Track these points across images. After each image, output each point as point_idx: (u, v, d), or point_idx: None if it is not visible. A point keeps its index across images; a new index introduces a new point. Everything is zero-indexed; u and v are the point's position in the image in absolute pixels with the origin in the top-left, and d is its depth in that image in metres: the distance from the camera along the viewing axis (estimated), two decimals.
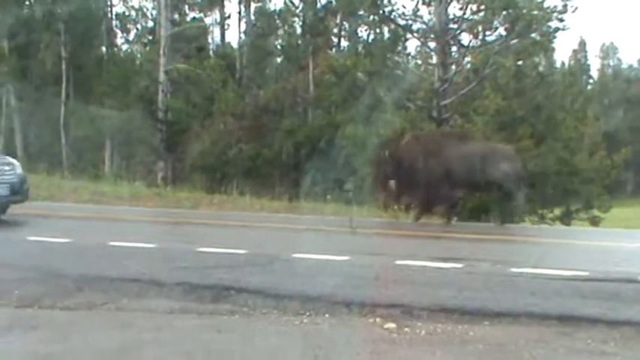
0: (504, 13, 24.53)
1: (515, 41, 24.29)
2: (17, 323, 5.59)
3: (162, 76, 29.49)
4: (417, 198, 14.47)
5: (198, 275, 7.15)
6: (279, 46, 38.83)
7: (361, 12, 30.44)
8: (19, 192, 11.74)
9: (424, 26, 27.32)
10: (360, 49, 35.64)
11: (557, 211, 23.12)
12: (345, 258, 8.45)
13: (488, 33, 26.55)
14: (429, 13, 27.16)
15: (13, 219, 12.35)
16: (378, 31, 36.00)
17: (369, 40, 36.44)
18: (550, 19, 23.66)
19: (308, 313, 5.75)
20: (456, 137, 15.55)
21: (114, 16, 40.54)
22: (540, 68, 29.84)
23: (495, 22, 25.48)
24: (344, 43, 37.94)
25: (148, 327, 5.42)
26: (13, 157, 12.41)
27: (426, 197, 14.20)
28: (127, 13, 41.08)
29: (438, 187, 13.89)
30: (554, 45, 27.95)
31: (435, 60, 27.92)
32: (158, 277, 7.04)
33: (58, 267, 7.82)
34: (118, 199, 17.99)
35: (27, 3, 37.98)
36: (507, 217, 14.97)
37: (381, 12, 27.62)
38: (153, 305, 6.04)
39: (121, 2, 40.49)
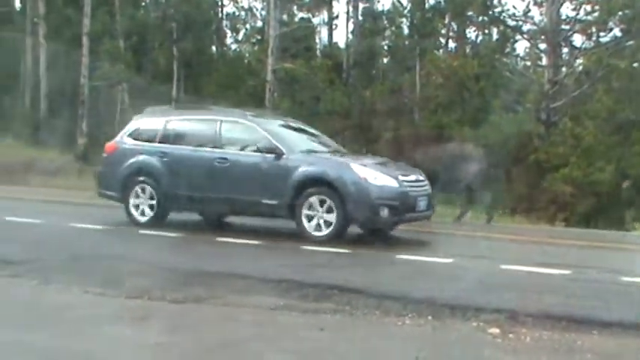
0: (620, 13, 23.78)
1: (631, 42, 23.50)
2: (127, 313, 5.78)
3: (270, 76, 29.83)
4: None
5: (302, 273, 7.21)
6: (386, 47, 38.74)
7: (470, 13, 30.05)
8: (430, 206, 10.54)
9: (535, 27, 26.79)
10: (467, 50, 35.21)
11: None
12: (449, 260, 8.37)
13: (602, 34, 25.78)
14: (540, 14, 26.62)
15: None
16: (486, 32, 35.48)
17: (478, 42, 35.98)
18: None
19: (410, 315, 5.72)
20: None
21: (224, 17, 41.33)
22: None
23: (610, 23, 24.72)
24: (451, 44, 37.58)
25: (252, 322, 5.51)
26: None
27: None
28: (236, 14, 41.81)
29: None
30: None
31: (545, 61, 27.34)
32: (264, 274, 7.14)
33: (167, 260, 8.05)
34: None
35: (142, 4, 39.17)
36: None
37: (490, 13, 27.21)
38: (257, 301, 6.13)
39: (231, 3, 41.18)
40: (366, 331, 5.40)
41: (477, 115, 26.91)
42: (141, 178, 10.83)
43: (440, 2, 34.37)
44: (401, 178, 9.79)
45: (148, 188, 10.74)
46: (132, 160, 10.98)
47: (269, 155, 9.97)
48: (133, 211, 10.82)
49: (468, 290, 6.66)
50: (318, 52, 39.33)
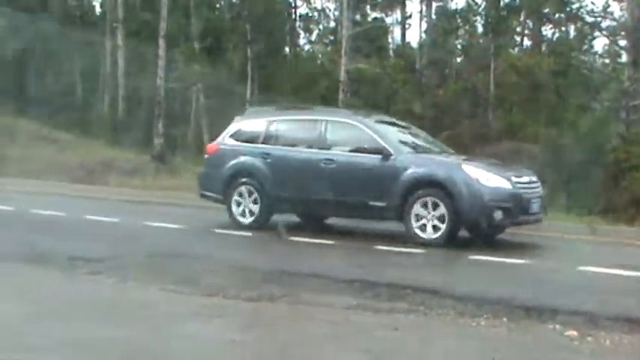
0: None
1: None
2: (203, 311, 5.85)
3: (342, 76, 29.86)
4: None
5: (375, 273, 7.19)
6: (459, 46, 38.40)
7: (547, 10, 29.55)
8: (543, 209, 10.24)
9: (614, 23, 26.14)
10: (543, 48, 34.62)
11: None
12: (525, 261, 8.23)
13: None
14: (620, 10, 25.98)
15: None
16: (563, 29, 34.85)
17: (554, 39, 35.35)
18: None
19: (485, 316, 5.65)
20: None
21: (297, 17, 41.56)
22: None
23: None
24: (527, 42, 37.00)
25: (326, 321, 5.51)
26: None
27: None
28: (309, 14, 42.01)
29: None
30: None
31: (625, 58, 26.64)
32: (337, 273, 7.15)
33: (241, 259, 8.13)
34: None
35: (217, 6, 39.71)
36: None
37: (568, 9, 26.68)
38: (331, 300, 6.14)
39: (305, 4, 41.38)
40: (440, 331, 5.36)
41: (553, 114, 26.46)
42: (243, 180, 10.77)
43: (515, 0, 33.90)
44: (514, 179, 9.50)
45: (251, 190, 10.67)
46: (234, 162, 10.95)
47: (377, 156, 9.77)
48: (235, 212, 10.75)
49: (545, 292, 6.53)
50: (391, 51, 39.22)
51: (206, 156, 11.83)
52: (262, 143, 10.89)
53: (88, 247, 8.39)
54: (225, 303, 6.09)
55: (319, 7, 41.41)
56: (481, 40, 35.86)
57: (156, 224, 10.93)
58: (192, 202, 13.13)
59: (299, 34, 42.45)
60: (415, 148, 10.35)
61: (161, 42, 25.33)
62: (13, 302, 5.84)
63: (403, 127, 11.29)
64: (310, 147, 10.50)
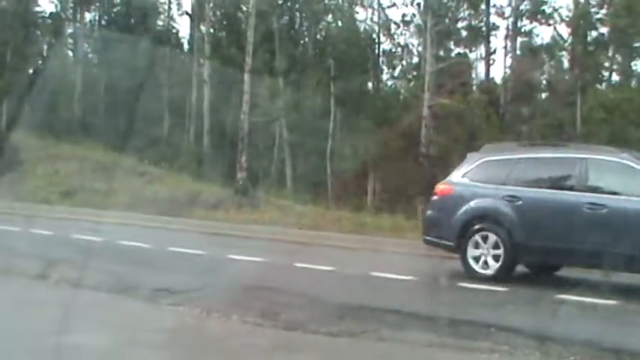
0: None
1: None
2: (283, 345, 5.87)
3: (425, 111, 29.82)
4: None
5: (458, 310, 7.09)
6: (544, 81, 37.87)
7: (637, 44, 28.91)
8: None
9: None
10: (633, 83, 33.82)
11: None
12: (613, 302, 7.97)
13: None
14: None
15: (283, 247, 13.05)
16: None
17: None
18: None
19: (572, 358, 5.50)
20: None
21: (380, 53, 41.69)
22: None
23: None
24: (615, 77, 36.23)
25: (408, 359, 5.46)
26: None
27: None
28: (393, 50, 42.10)
29: None
30: None
31: None
32: (418, 309, 7.08)
33: (322, 294, 8.13)
34: (379, 230, 18.34)
35: (302, 42, 40.27)
36: None
37: None
38: (412, 337, 6.08)
39: (388, 39, 41.51)
40: None
41: None
42: (482, 225, 9.65)
43: (603, 34, 33.30)
44: None
45: (492, 236, 9.48)
46: (471, 204, 9.82)
47: None
48: (472, 262, 9.56)
49: (635, 334, 6.33)
50: (474, 87, 38.93)
51: (435, 197, 10.50)
52: (506, 184, 9.69)
53: (172, 280, 8.54)
54: (306, 337, 6.11)
55: (402, 43, 41.45)
56: (567, 76, 35.28)
57: (239, 257, 11.04)
58: (273, 235, 13.23)
59: (382, 70, 42.56)
60: None
61: (246, 77, 25.76)
62: (102, 332, 5.97)
63: None
64: (567, 189, 9.41)
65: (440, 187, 10.56)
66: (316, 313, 6.96)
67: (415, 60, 41.43)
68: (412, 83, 38.91)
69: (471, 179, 10.09)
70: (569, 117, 32.12)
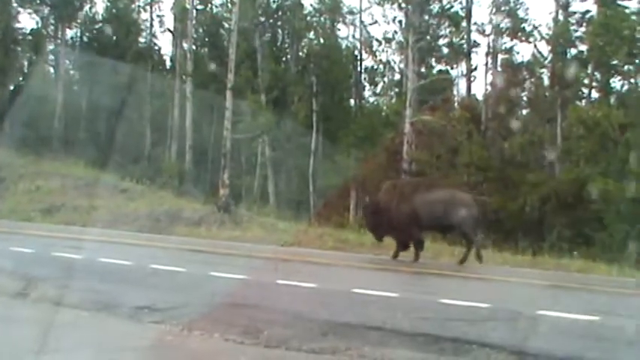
0: None
1: None
2: None
3: (407, 128, 29.98)
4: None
5: (439, 327, 7.11)
6: (525, 98, 38.12)
7: (615, 62, 29.18)
8: None
9: None
10: (612, 100, 34.11)
11: None
12: (594, 318, 8.02)
13: None
14: None
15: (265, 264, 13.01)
16: (632, 80, 34.31)
17: (622, 91, 34.80)
18: None
19: None
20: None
21: (362, 70, 41.90)
22: None
23: None
24: (594, 94, 36.53)
25: None
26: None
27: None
28: (375, 67, 42.33)
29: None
30: None
31: None
32: (400, 326, 7.09)
33: (304, 311, 8.11)
34: (361, 247, 18.33)
35: (284, 59, 40.37)
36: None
37: (637, 61, 26.33)
38: (394, 354, 6.08)
39: (370, 56, 41.75)
40: None
41: (623, 167, 25.91)
42: None
43: (582, 52, 33.62)
44: None
45: None
46: None
47: None
48: None
49: (617, 351, 6.37)
50: (456, 103, 39.14)
51: None
52: None
53: (154, 297, 8.49)
54: (288, 355, 6.10)
55: (384, 60, 41.72)
56: (547, 93, 35.54)
57: (220, 274, 11.00)
58: (255, 252, 13.20)
59: (364, 87, 42.79)
60: None
61: (228, 94, 25.74)
62: (83, 351, 5.95)
63: None
64: None
65: None
66: (299, 330, 6.95)
67: (397, 77, 41.69)
68: (394, 100, 39.07)
69: None
70: (549, 133, 32.36)
